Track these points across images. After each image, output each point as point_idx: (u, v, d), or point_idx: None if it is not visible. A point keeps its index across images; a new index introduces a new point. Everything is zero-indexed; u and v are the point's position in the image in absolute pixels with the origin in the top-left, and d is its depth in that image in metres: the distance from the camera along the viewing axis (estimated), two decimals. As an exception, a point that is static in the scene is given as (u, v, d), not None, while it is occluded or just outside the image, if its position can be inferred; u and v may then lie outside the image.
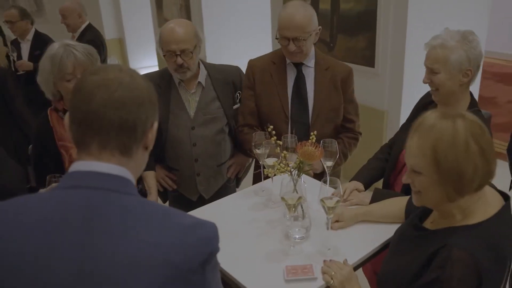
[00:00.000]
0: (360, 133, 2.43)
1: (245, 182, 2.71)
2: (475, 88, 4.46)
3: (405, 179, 1.31)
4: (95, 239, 0.87)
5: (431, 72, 1.81)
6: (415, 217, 1.45)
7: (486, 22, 4.21)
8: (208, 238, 0.93)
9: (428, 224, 1.39)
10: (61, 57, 1.89)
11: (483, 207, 1.26)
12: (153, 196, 2.24)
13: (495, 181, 1.32)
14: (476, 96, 4.49)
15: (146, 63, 7.52)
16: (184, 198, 2.48)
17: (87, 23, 4.38)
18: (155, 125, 1.00)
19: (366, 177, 2.06)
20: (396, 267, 1.36)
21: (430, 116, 1.25)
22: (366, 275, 2.21)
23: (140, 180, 2.27)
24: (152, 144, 1.02)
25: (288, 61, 2.31)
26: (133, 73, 0.99)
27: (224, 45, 5.74)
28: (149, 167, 2.31)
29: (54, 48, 1.93)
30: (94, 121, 0.92)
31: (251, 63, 2.41)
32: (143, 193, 2.27)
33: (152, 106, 0.98)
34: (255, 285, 1.46)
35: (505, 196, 1.33)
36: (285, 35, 2.15)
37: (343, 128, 2.38)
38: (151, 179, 2.29)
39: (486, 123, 1.75)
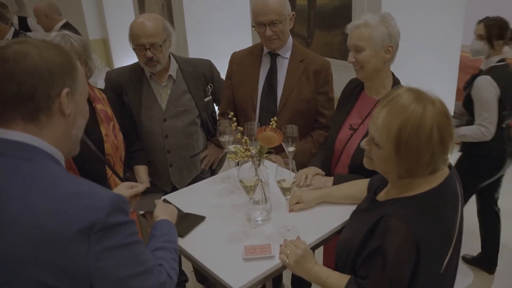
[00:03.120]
0: None
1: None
2: (452, 81, 4.54)
3: (363, 144, 1.37)
4: None
5: (355, 51, 1.91)
6: (371, 191, 1.54)
7: (462, 17, 4.29)
8: (91, 207, 0.94)
9: (381, 196, 1.47)
10: (58, 42, 1.96)
11: (428, 179, 1.32)
12: None
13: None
14: (454, 90, 4.58)
15: (130, 62, 7.52)
16: (158, 190, 2.52)
17: (63, 21, 4.42)
18: (65, 92, 1.03)
19: (318, 164, 2.12)
20: (348, 236, 1.44)
21: (404, 94, 1.28)
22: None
23: (127, 169, 2.31)
24: (73, 110, 1.06)
25: (265, 51, 2.37)
26: (37, 44, 1.03)
27: (206, 44, 5.78)
28: (140, 162, 2.37)
29: (51, 35, 2.04)
30: None
31: (233, 55, 2.51)
32: (131, 180, 2.28)
33: (54, 74, 1.01)
34: (215, 264, 1.51)
35: (450, 166, 1.40)
36: (261, 20, 2.21)
37: (316, 123, 2.41)
38: (143, 173, 2.35)
39: None
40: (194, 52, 5.77)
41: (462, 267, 1.39)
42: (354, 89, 2.11)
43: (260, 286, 2.78)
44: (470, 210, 3.08)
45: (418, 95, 1.27)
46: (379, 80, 1.96)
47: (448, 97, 4.53)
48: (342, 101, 2.16)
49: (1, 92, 0.98)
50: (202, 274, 2.87)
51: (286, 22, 2.24)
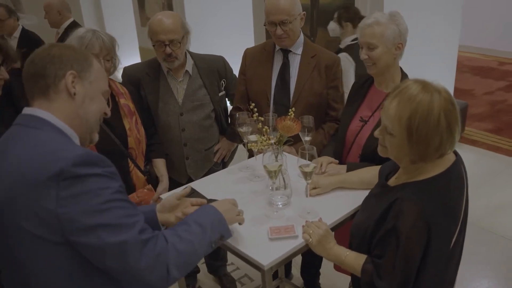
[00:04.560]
0: None
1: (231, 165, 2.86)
2: (450, 81, 4.67)
3: (377, 134, 1.49)
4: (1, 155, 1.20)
5: (368, 48, 2.02)
6: (383, 177, 1.64)
7: (459, 18, 4.42)
8: (61, 157, 1.11)
9: (392, 181, 1.57)
10: (90, 38, 2.07)
11: (436, 164, 1.44)
12: (165, 183, 2.39)
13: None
14: (451, 89, 4.72)
15: (129, 62, 7.55)
16: (174, 182, 2.61)
17: (71, 20, 4.49)
18: (69, 73, 1.24)
19: (330, 154, 2.24)
20: (363, 219, 1.56)
21: (412, 85, 1.39)
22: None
23: (147, 162, 2.41)
24: (80, 92, 1.26)
25: (277, 48, 2.48)
26: (63, 45, 1.34)
27: (206, 43, 5.85)
28: (158, 155, 2.46)
29: (81, 31, 2.12)
30: (23, 78, 1.26)
31: (246, 51, 2.62)
32: (151, 173, 2.41)
33: (63, 60, 1.25)
34: (243, 245, 1.62)
35: (456, 152, 1.51)
36: (272, 20, 2.33)
37: (327, 116, 2.51)
38: (162, 166, 2.44)
39: None
40: (195, 51, 5.85)
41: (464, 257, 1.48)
42: (364, 84, 2.23)
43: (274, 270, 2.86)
44: (473, 206, 3.16)
45: (425, 86, 1.38)
46: (389, 75, 2.08)
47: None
48: (352, 95, 2.28)
49: (26, 73, 1.25)
50: (213, 266, 2.99)
51: (296, 22, 2.35)
